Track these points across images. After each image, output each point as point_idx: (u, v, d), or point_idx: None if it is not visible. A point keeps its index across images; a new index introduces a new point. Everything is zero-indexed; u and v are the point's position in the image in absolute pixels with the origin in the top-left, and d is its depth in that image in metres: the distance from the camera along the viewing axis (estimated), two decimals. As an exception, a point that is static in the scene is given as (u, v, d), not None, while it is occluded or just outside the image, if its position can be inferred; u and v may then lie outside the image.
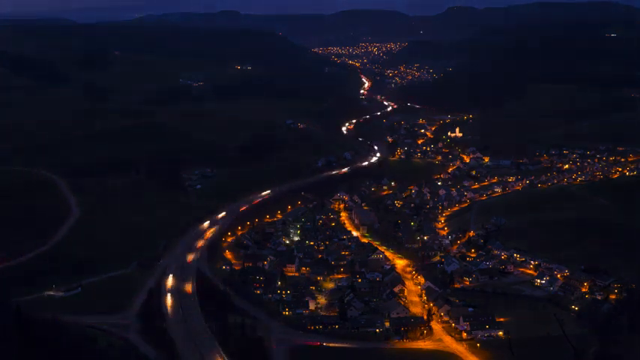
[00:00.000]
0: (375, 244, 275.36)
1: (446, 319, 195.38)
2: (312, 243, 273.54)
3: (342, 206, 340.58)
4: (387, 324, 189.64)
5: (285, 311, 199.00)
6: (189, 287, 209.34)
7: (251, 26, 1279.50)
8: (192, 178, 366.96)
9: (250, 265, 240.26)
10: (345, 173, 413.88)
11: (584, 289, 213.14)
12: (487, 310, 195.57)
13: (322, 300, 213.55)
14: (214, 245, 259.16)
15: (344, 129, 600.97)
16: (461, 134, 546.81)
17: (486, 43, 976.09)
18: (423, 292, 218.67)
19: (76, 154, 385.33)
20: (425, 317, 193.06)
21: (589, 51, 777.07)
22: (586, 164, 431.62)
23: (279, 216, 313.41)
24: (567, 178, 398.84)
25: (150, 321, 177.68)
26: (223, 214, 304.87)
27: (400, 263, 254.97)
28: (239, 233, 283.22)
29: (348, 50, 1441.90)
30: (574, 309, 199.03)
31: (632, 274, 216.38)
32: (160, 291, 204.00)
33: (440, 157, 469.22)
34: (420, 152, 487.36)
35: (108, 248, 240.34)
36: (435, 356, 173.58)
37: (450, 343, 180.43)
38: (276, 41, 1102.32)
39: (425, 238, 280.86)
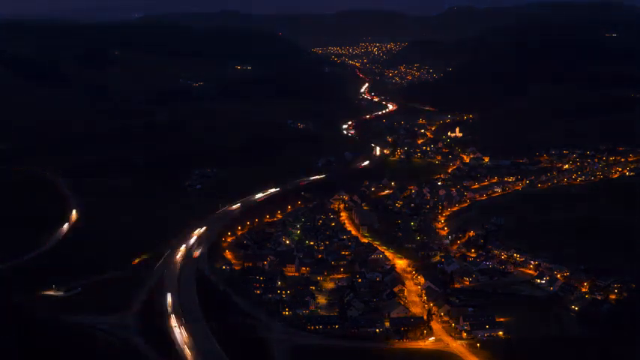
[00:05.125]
0: (375, 244, 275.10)
1: (446, 319, 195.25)
2: (312, 243, 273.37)
3: (342, 206, 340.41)
4: (387, 324, 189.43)
5: (285, 311, 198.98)
6: (189, 287, 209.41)
7: (251, 26, 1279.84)
8: (192, 178, 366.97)
9: (250, 265, 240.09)
10: (344, 173, 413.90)
11: (584, 289, 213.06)
12: (487, 310, 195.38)
13: (322, 300, 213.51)
14: (214, 245, 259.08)
15: (344, 129, 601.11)
16: (461, 134, 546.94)
17: (486, 43, 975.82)
18: (423, 292, 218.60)
19: (76, 154, 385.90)
20: (425, 317, 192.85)
21: (589, 51, 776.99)
22: (586, 164, 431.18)
23: (279, 216, 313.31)
24: (567, 178, 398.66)
25: (150, 321, 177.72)
26: (223, 213, 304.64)
27: (400, 263, 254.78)
28: (239, 233, 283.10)
29: (348, 50, 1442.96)
30: (574, 309, 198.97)
31: (632, 274, 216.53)
32: (160, 291, 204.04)
33: (440, 157, 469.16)
34: (420, 152, 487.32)
35: (108, 248, 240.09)
36: (435, 356, 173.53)
37: (450, 343, 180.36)
38: (276, 41, 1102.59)
39: (425, 238, 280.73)
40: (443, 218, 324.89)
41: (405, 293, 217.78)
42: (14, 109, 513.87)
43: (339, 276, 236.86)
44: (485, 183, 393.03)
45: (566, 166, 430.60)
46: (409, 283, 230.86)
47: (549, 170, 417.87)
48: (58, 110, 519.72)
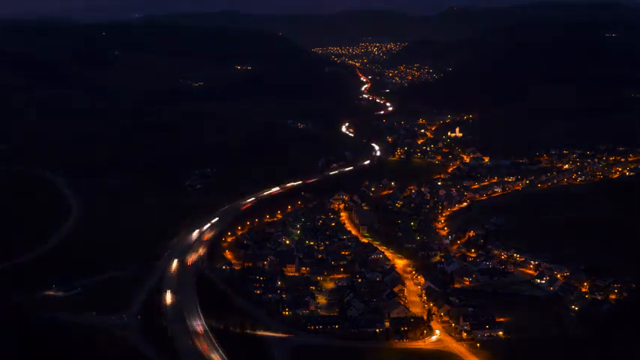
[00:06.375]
0: (375, 244, 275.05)
1: (446, 319, 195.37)
2: (312, 243, 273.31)
3: (342, 206, 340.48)
4: (387, 324, 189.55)
5: (285, 311, 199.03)
6: (189, 287, 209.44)
7: (251, 26, 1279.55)
8: (192, 178, 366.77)
9: (250, 265, 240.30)
10: (345, 173, 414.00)
11: (584, 289, 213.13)
12: (487, 310, 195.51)
13: (322, 300, 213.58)
14: (214, 245, 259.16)
15: (344, 129, 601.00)
16: (461, 134, 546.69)
17: (486, 43, 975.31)
18: (423, 292, 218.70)
19: (76, 154, 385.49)
20: (425, 317, 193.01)
21: (589, 51, 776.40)
22: (586, 164, 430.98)
23: (279, 216, 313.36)
24: (567, 178, 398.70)
25: (150, 321, 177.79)
26: (223, 213, 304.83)
27: (400, 263, 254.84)
28: (239, 233, 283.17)
29: (348, 50, 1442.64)
30: (574, 309, 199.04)
31: (632, 274, 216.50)
32: (160, 291, 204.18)
33: (440, 157, 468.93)
34: (420, 152, 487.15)
35: (108, 248, 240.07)
36: (435, 356, 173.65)
37: (450, 343, 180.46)
38: (276, 41, 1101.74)
39: (425, 238, 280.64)
40: (443, 218, 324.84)
41: (405, 293, 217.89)
42: (14, 109, 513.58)
43: (339, 276, 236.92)
44: (486, 183, 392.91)
45: (566, 166, 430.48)
46: (409, 283, 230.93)
47: (549, 170, 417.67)
48: (58, 110, 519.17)
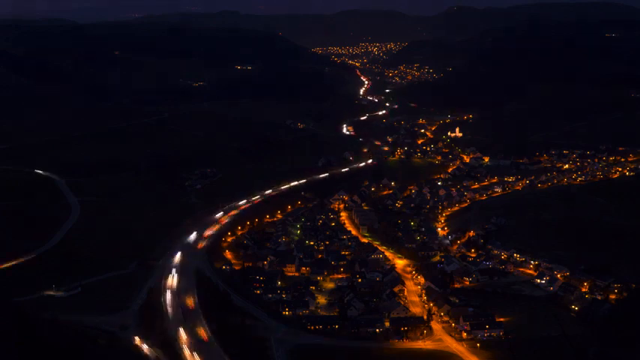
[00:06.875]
0: (375, 244, 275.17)
1: (446, 319, 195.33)
2: (312, 243, 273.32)
3: (342, 206, 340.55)
4: (387, 324, 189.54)
5: (285, 311, 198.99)
6: (189, 287, 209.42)
7: (251, 26, 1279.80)
8: (192, 178, 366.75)
9: (250, 265, 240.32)
10: (345, 173, 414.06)
11: (584, 289, 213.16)
12: (487, 310, 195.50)
13: (322, 300, 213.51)
14: (214, 245, 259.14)
15: (344, 129, 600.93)
16: (461, 134, 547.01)
17: (486, 42, 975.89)
18: (423, 292, 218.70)
19: (76, 154, 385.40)
20: (425, 317, 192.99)
21: (589, 51, 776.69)
22: (586, 164, 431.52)
23: (279, 216, 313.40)
24: (567, 178, 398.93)
25: (150, 321, 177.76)
26: (223, 213, 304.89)
27: (400, 263, 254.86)
28: (239, 233, 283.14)
29: (348, 50, 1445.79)
30: (574, 309, 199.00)
31: (632, 274, 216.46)
32: (159, 291, 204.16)
33: (440, 157, 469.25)
34: (420, 152, 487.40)
35: (108, 248, 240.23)
36: (435, 356, 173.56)
37: (450, 343, 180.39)
38: (276, 41, 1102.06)
39: (425, 238, 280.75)
40: (443, 218, 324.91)
41: (405, 293, 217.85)
42: (14, 108, 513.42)
43: (339, 276, 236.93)
44: (486, 183, 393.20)
45: (566, 166, 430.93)
46: (409, 283, 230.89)
47: (549, 170, 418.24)
48: (58, 110, 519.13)
